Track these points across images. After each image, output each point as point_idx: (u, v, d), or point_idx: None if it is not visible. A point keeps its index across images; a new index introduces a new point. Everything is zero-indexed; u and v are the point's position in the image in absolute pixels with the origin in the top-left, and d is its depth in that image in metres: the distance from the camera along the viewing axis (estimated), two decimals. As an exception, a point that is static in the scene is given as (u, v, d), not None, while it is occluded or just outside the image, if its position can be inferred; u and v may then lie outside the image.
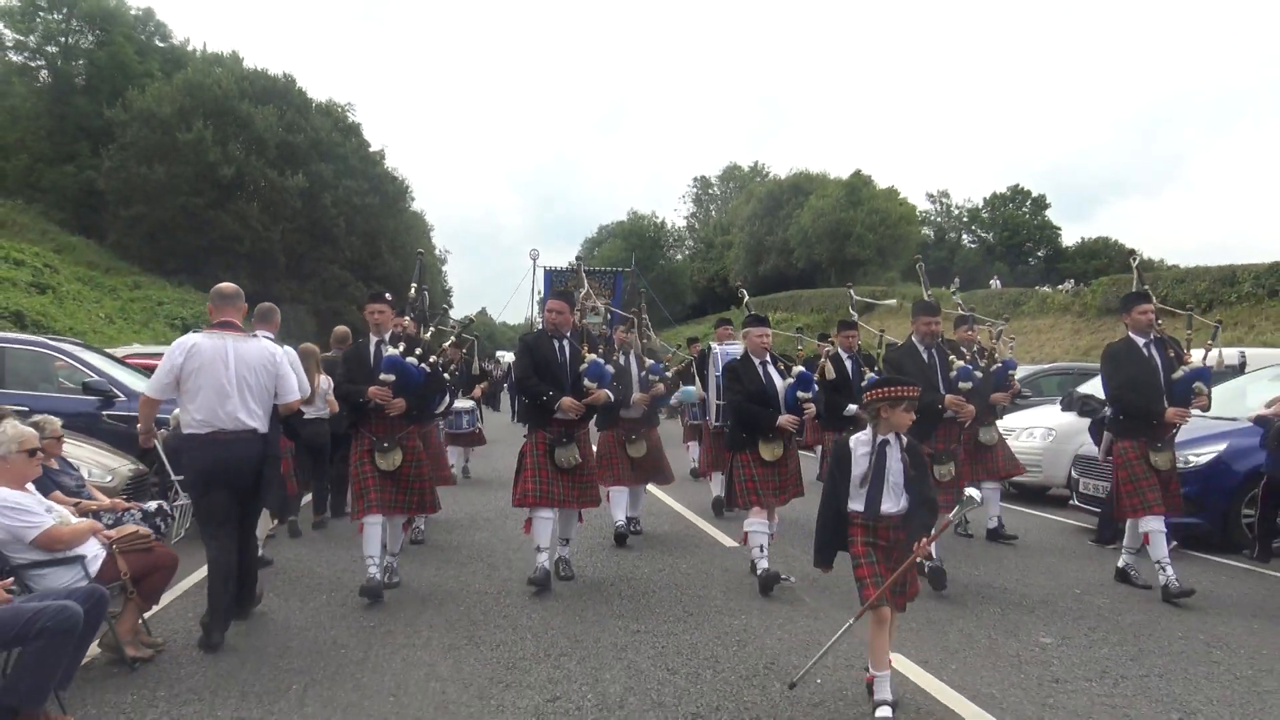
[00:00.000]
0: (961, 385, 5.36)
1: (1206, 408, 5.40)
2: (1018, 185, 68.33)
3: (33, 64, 39.81)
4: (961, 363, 5.47)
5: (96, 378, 7.93)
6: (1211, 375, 5.39)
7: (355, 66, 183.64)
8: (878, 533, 3.51)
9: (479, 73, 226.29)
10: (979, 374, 5.59)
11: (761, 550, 5.39)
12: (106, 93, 38.62)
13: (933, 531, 3.57)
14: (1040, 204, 67.68)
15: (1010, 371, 6.53)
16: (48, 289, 25.07)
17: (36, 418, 4.67)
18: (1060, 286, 34.39)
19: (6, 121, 36.92)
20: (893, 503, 3.48)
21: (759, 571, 5.40)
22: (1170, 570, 5.28)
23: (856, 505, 3.55)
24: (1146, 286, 5.65)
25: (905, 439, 3.52)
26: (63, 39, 40.44)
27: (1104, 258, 60.83)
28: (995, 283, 40.55)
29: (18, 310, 21.13)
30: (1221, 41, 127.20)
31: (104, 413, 7.67)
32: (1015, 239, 65.71)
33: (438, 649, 4.34)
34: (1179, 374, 5.31)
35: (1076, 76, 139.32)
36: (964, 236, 69.11)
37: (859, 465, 3.52)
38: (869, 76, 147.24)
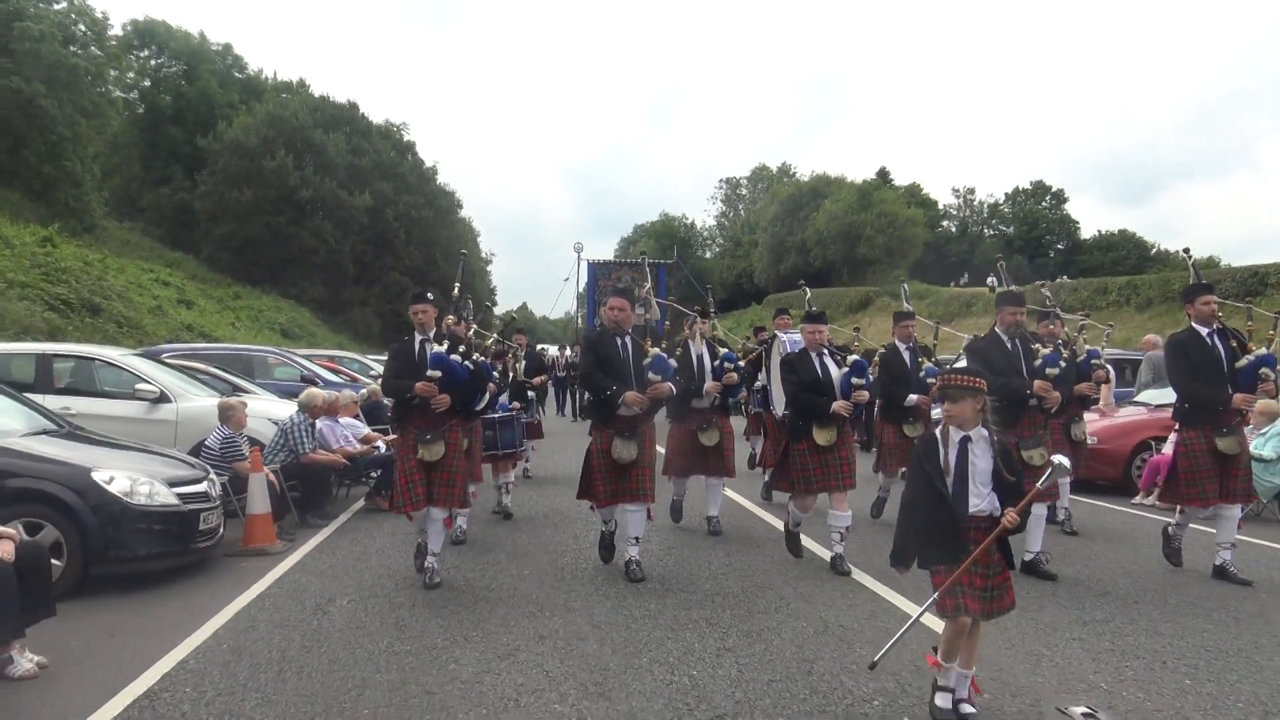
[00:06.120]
0: (1049, 371, 5.10)
1: (1274, 393, 5.06)
2: (1040, 181, 66.27)
3: (128, 97, 41.10)
4: (1047, 350, 5.21)
5: (306, 372, 11.75)
6: (1278, 362, 4.99)
7: (408, 68, 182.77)
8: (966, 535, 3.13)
9: (531, 67, 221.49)
10: (1063, 363, 5.32)
11: (840, 538, 5.37)
12: (191, 121, 39.76)
13: (1019, 503, 3.07)
14: (1060, 198, 65.55)
15: (1094, 360, 6.14)
16: (193, 304, 26.55)
17: (340, 392, 8.53)
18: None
19: (108, 149, 38.21)
20: (980, 500, 3.14)
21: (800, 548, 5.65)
22: (1229, 554, 5.22)
23: None
24: (1204, 279, 5.38)
25: (999, 442, 3.17)
26: (155, 74, 41.71)
27: (1121, 250, 58.62)
28: (992, 280, 39.42)
29: (189, 324, 23.31)
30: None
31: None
32: (1034, 233, 63.72)
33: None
34: (1243, 361, 4.98)
35: (1129, 65, 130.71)
36: (986, 230, 67.21)
37: (943, 456, 3.16)
38: (916, 71, 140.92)
